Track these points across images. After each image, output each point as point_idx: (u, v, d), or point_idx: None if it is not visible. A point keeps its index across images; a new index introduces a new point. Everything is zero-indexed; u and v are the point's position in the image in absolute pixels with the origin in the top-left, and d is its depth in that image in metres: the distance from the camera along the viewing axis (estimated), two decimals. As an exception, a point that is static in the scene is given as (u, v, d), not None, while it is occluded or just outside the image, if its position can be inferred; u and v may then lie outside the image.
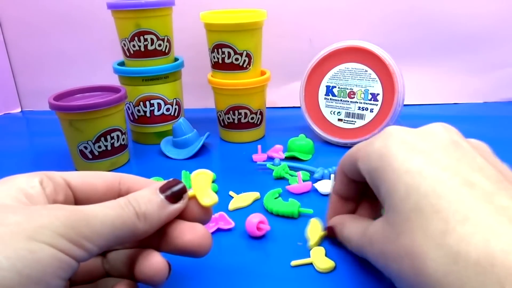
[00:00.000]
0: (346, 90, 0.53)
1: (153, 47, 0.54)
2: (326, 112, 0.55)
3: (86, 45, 0.72)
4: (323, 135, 0.55)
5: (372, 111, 0.52)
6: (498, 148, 0.27)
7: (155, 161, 0.53)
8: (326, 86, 0.54)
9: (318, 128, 0.55)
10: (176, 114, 0.58)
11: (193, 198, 0.25)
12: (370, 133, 0.51)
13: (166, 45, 0.55)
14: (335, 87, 0.53)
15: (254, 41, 0.54)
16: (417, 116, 0.65)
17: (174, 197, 0.24)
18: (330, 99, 0.54)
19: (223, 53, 0.54)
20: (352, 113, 0.53)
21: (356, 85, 0.52)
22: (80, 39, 0.72)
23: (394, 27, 0.67)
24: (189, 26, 0.61)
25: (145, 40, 0.53)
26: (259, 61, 0.57)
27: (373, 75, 0.51)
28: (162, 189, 0.24)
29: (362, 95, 0.52)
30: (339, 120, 0.54)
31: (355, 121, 0.53)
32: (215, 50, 0.54)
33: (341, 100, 0.53)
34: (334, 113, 0.54)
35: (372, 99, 0.51)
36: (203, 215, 0.25)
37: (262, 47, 0.57)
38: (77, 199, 0.24)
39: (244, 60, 0.54)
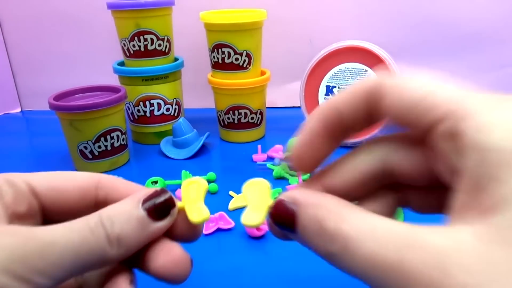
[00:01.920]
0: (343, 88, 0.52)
1: (153, 47, 0.54)
2: None
3: (86, 45, 0.72)
4: None
5: None
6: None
7: (155, 161, 0.53)
8: (326, 86, 0.54)
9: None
10: (176, 114, 0.58)
11: (182, 210, 0.20)
12: (370, 133, 0.51)
13: (166, 45, 0.55)
14: (335, 87, 0.53)
15: (254, 41, 0.54)
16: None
17: (158, 213, 0.19)
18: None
19: (223, 53, 0.54)
20: None
21: (351, 83, 0.50)
22: (80, 39, 0.72)
23: (394, 27, 0.67)
24: (189, 26, 0.61)
25: (145, 40, 0.53)
26: (259, 61, 0.57)
27: (373, 75, 0.51)
28: (145, 202, 0.19)
29: None
30: None
31: None
32: (215, 50, 0.54)
33: None
34: None
35: None
36: (191, 233, 0.21)
37: (262, 47, 0.57)
38: (44, 208, 0.20)
39: (244, 60, 0.54)
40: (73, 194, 0.21)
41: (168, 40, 0.55)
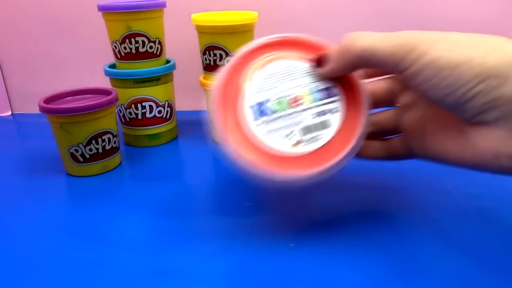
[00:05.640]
0: (286, 98, 0.32)
1: (144, 49, 0.54)
2: (271, 141, 0.31)
3: (77, 47, 0.72)
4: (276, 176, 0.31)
5: (337, 111, 0.32)
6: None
7: (147, 164, 0.52)
8: (252, 106, 0.32)
9: (263, 168, 0.30)
10: (168, 117, 0.58)
11: None
12: (349, 143, 0.31)
13: (158, 47, 0.55)
14: (268, 100, 0.32)
15: (245, 43, 0.54)
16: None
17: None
18: (267, 120, 0.32)
19: (214, 55, 0.54)
20: (310, 125, 0.32)
21: (297, 86, 0.33)
22: (70, 42, 0.71)
23: (389, 29, 0.68)
24: (180, 28, 0.61)
25: (136, 42, 0.53)
26: (251, 63, 0.57)
27: (307, 65, 0.34)
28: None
29: (312, 97, 0.33)
30: (297, 143, 0.31)
31: (320, 134, 0.32)
32: (207, 52, 0.54)
33: (284, 115, 0.32)
34: (284, 137, 0.31)
35: (328, 95, 0.33)
36: None
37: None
38: None
39: (236, 62, 0.54)
40: None
41: (159, 42, 0.55)
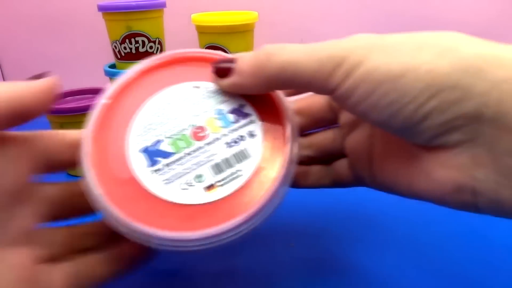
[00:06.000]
0: (185, 131, 0.24)
1: (144, 49, 0.54)
2: (173, 191, 0.22)
3: (77, 47, 0.72)
4: (181, 237, 0.21)
5: (254, 135, 0.24)
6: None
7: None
8: (144, 150, 0.23)
9: (165, 235, 0.21)
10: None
11: None
12: (279, 174, 0.22)
13: (158, 47, 0.55)
14: (161, 141, 0.24)
15: (245, 43, 0.54)
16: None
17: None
18: (167, 165, 0.23)
19: (214, 55, 0.54)
20: (223, 160, 0.23)
21: (195, 115, 0.24)
22: (71, 42, 0.71)
23: (387, 30, 0.68)
24: (180, 28, 0.61)
25: (136, 42, 0.53)
26: (251, 63, 0.57)
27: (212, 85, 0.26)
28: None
29: (218, 122, 0.24)
30: (210, 187, 0.22)
31: (238, 170, 0.23)
32: (207, 52, 0.54)
33: (186, 154, 0.23)
34: (192, 182, 0.22)
35: (239, 116, 0.25)
36: None
37: (254, 49, 0.57)
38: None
39: (236, 62, 0.54)
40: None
41: (159, 42, 0.55)
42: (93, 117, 0.24)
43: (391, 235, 0.34)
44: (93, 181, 0.22)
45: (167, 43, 0.58)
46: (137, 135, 0.24)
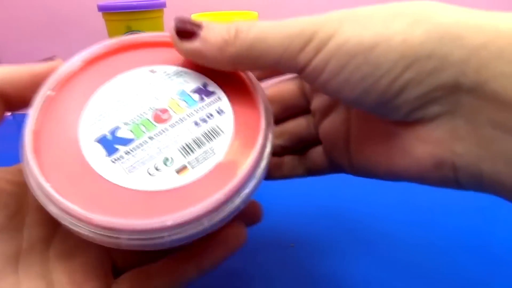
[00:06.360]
0: (145, 115, 0.21)
1: (144, 49, 0.54)
2: (138, 179, 0.19)
3: (77, 47, 0.71)
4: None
5: (223, 111, 0.22)
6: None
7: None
8: (99, 140, 0.20)
9: (135, 226, 0.17)
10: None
11: None
12: (255, 146, 0.20)
13: (158, 48, 0.55)
14: (118, 128, 0.21)
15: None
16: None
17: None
18: (128, 152, 0.20)
19: (214, 55, 0.54)
20: (194, 139, 0.21)
21: (155, 97, 0.22)
22: (71, 42, 0.71)
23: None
24: (180, 28, 0.61)
25: (136, 42, 0.53)
26: (251, 63, 0.57)
27: (171, 68, 0.23)
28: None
29: (182, 103, 0.22)
30: (181, 169, 0.20)
31: (211, 148, 0.20)
32: (207, 52, 0.54)
33: (149, 137, 0.21)
34: (160, 167, 0.20)
35: (204, 94, 0.22)
36: None
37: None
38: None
39: (236, 62, 0.54)
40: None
41: (159, 43, 0.55)
42: (34, 110, 0.21)
43: (391, 236, 0.34)
44: (39, 178, 0.18)
45: (167, 43, 0.58)
46: (90, 125, 0.21)
